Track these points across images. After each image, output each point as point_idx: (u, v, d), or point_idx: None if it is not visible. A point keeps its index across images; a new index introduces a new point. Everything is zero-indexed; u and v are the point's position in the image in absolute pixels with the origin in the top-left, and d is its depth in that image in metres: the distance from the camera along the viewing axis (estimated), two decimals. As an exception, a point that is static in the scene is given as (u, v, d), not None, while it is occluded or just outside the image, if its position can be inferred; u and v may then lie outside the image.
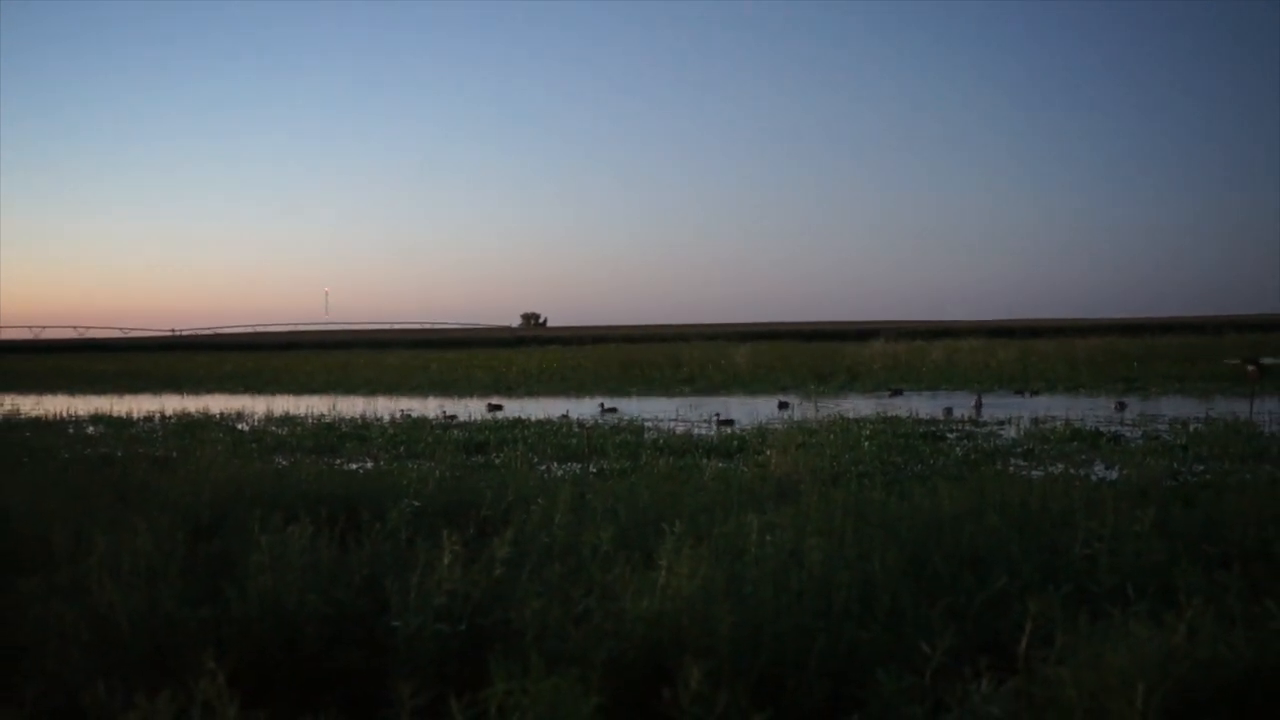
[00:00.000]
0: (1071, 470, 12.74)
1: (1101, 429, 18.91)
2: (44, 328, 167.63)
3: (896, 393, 31.12)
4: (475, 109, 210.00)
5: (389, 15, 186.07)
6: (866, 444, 16.71)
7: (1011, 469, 13.36)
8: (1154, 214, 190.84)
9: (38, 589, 6.24)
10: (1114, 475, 11.81)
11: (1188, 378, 33.34)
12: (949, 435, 19.08)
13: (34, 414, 28.49)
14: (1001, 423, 21.29)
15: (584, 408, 28.11)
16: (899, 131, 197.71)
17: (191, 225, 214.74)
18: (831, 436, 17.75)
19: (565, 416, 24.48)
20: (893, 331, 72.04)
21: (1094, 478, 11.38)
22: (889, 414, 23.13)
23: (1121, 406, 24.83)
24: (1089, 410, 23.89)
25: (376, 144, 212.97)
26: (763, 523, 6.87)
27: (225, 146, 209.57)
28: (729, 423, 22.17)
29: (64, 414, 27.69)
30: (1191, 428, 18.87)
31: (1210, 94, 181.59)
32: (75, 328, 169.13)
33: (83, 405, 32.30)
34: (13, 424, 24.83)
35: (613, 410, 26.61)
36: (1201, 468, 13.49)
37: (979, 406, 25.12)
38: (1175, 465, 13.33)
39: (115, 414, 27.45)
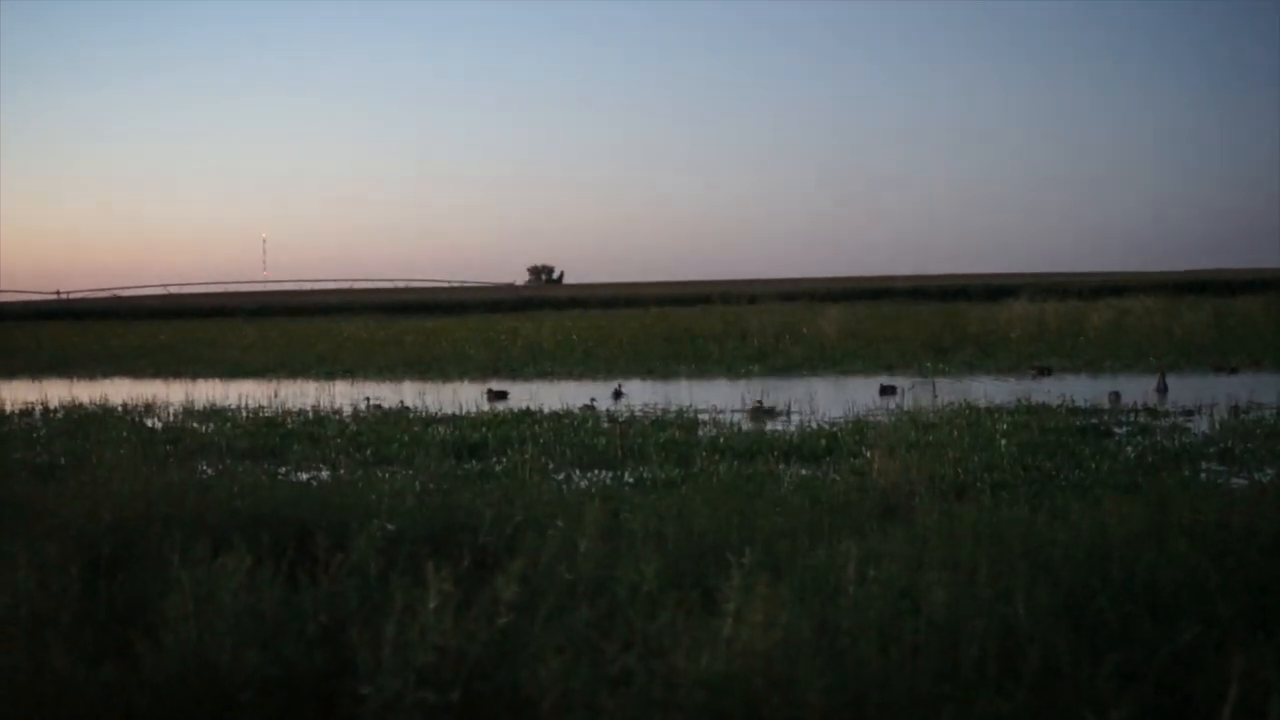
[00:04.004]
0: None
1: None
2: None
3: (1043, 372, 30.94)
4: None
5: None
6: (1003, 443, 16.64)
7: (1204, 476, 13.24)
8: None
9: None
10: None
11: None
12: (1117, 430, 18.97)
13: None
14: (1189, 412, 21.14)
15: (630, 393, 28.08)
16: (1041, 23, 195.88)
17: (81, 158, 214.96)
18: (956, 433, 17.67)
19: (589, 406, 24.62)
20: (1037, 288, 71.69)
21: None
22: (1034, 401, 22.97)
23: None
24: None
25: (333, 47, 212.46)
26: (864, 551, 6.85)
27: (128, 52, 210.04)
28: (768, 412, 22.97)
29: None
30: None
31: None
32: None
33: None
34: None
35: (623, 395, 27.04)
36: None
37: (1162, 389, 24.89)
38: None
39: (-22, 406, 27.68)
